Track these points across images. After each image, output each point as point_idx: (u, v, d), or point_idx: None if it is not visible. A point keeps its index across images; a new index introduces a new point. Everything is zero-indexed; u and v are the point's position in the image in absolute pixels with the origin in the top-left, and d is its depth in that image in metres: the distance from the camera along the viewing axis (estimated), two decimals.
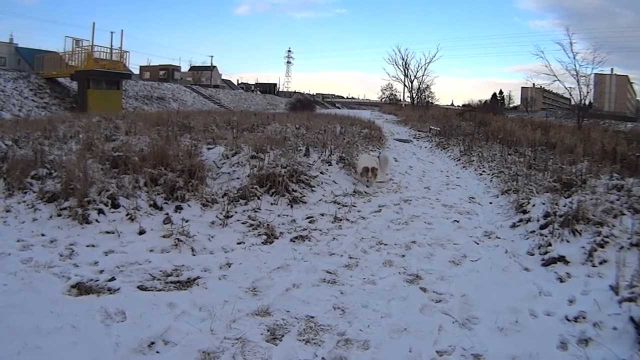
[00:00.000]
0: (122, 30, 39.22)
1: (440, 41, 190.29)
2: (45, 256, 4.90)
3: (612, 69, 67.42)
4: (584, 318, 4.05)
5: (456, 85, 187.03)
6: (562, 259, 5.46)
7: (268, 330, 3.80)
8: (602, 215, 6.21)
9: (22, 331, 3.44)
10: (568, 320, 4.10)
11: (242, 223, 6.51)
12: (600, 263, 5.17)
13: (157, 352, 3.41)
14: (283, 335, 3.74)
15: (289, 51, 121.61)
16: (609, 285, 4.38)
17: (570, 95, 34.03)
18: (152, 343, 3.48)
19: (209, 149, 9.65)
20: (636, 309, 3.75)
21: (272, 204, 7.44)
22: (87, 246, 5.30)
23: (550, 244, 5.90)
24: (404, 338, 3.83)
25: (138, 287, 4.44)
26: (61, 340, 3.38)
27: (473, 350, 3.70)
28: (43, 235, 5.53)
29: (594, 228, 5.91)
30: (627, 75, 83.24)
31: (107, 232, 5.73)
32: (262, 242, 5.96)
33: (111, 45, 35.71)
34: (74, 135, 10.66)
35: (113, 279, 4.53)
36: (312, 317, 4.07)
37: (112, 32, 41.24)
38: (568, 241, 5.86)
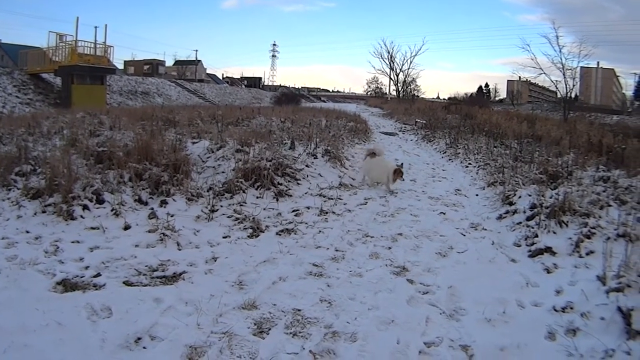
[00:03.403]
0: (106, 25, 38.77)
1: (427, 34, 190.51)
2: (30, 253, 4.86)
3: (598, 62, 68.01)
4: (571, 308, 4.08)
5: (442, 79, 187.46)
6: (548, 250, 5.51)
7: (255, 324, 3.81)
8: (588, 207, 6.27)
9: (8, 329, 3.42)
10: (556, 310, 4.12)
11: (228, 217, 6.51)
12: (587, 254, 5.20)
13: (144, 347, 3.40)
14: (270, 329, 3.75)
15: (274, 45, 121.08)
16: (596, 275, 4.41)
17: (557, 88, 34.51)
18: (139, 338, 3.47)
19: (193, 143, 9.62)
20: (623, 299, 3.78)
21: (257, 197, 7.45)
22: (72, 242, 5.27)
23: (536, 235, 5.94)
24: (391, 330, 3.85)
25: (124, 283, 4.43)
26: (48, 338, 3.37)
27: (461, 342, 3.73)
28: (28, 232, 5.48)
29: (581, 219, 5.97)
30: (613, 69, 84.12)
31: (92, 228, 5.70)
32: (248, 236, 5.97)
33: (95, 40, 35.55)
34: (58, 131, 10.59)
35: (99, 274, 4.51)
36: (299, 310, 4.08)
37: (96, 27, 41.07)
38: (555, 232, 5.92)
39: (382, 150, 10.20)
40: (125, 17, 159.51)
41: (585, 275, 4.63)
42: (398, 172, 9.19)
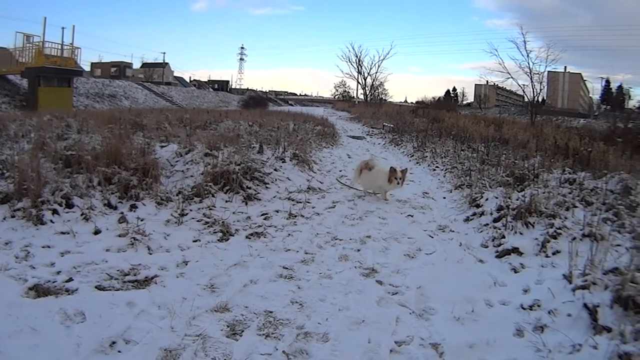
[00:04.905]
0: (73, 26, 38.56)
1: (396, 38, 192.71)
2: (0, 259, 4.80)
3: (565, 67, 69.46)
4: (538, 306, 4.22)
5: (410, 82, 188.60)
6: (515, 250, 5.66)
7: (228, 326, 3.85)
8: (554, 208, 6.44)
9: None
10: (523, 308, 4.27)
11: (197, 221, 6.52)
12: (554, 253, 5.37)
13: (119, 351, 3.41)
14: (243, 331, 3.79)
15: (242, 48, 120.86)
16: (563, 274, 4.55)
17: (524, 92, 35.07)
18: (114, 342, 3.48)
19: (162, 147, 9.60)
20: (589, 296, 3.91)
21: (226, 201, 7.49)
22: (43, 247, 5.21)
23: (503, 236, 6.10)
24: (362, 330, 3.92)
25: (96, 287, 4.40)
26: (22, 343, 3.36)
27: (431, 340, 3.82)
28: None
29: (547, 220, 6.13)
30: (580, 73, 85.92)
31: (62, 233, 5.64)
32: (218, 240, 5.99)
33: (62, 41, 35.10)
34: (26, 135, 10.47)
35: (70, 279, 4.48)
36: (271, 312, 4.13)
37: (63, 28, 40.45)
38: (521, 233, 6.08)
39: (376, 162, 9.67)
40: (93, 18, 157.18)
41: (552, 274, 4.78)
42: (393, 172, 8.69)
